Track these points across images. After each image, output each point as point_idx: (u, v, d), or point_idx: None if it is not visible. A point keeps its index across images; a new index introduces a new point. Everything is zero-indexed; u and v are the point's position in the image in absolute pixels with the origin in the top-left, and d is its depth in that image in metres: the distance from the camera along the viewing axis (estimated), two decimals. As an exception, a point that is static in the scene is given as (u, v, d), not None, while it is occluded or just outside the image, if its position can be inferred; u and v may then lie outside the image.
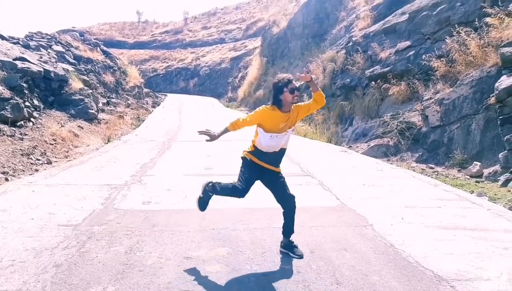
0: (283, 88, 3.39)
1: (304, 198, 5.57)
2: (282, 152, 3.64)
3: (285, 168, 7.72)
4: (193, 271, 3.27)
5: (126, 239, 3.97)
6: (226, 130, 3.68)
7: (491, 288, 2.97)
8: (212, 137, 3.67)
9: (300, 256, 3.54)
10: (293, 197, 3.61)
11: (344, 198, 5.59)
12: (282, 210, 3.67)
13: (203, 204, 3.88)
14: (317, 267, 3.36)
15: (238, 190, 3.54)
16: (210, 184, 3.82)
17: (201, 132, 3.70)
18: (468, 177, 7.60)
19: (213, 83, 36.83)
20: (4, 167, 7.33)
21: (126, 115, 17.02)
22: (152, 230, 4.25)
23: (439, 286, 3.02)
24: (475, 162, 7.84)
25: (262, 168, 3.59)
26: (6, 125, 9.24)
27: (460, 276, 3.18)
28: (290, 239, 3.69)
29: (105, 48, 24.70)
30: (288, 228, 3.66)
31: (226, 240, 3.94)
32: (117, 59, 25.74)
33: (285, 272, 3.27)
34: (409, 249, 3.75)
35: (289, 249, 3.63)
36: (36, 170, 7.64)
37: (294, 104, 3.50)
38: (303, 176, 7.08)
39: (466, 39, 9.66)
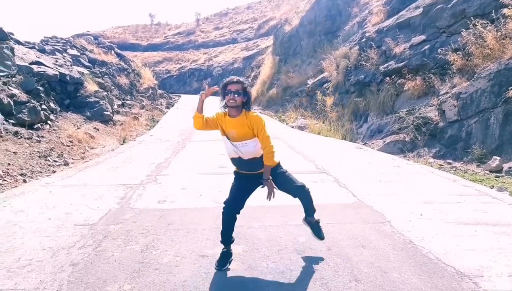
0: (223, 91, 3.30)
1: (320, 195, 5.51)
2: (255, 160, 3.36)
3: (300, 165, 7.70)
4: (208, 269, 3.24)
5: (142, 238, 3.97)
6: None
7: (516, 284, 2.87)
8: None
9: (320, 238, 3.54)
10: (301, 187, 3.46)
11: (360, 194, 5.51)
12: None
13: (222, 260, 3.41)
14: (334, 264, 3.30)
15: (225, 208, 3.40)
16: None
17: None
18: (487, 171, 7.42)
19: (226, 83, 36.85)
20: (22, 169, 7.44)
21: (140, 117, 17.16)
22: (168, 229, 4.24)
23: (461, 282, 2.93)
24: (494, 157, 7.64)
25: (247, 176, 3.43)
26: (24, 128, 9.38)
27: (482, 272, 3.08)
28: (314, 217, 3.62)
29: (119, 51, 24.96)
30: (306, 209, 3.60)
31: (242, 237, 3.90)
32: (131, 61, 25.99)
33: (302, 269, 3.22)
34: (429, 245, 3.66)
35: (311, 226, 3.61)
36: (54, 171, 7.74)
37: (252, 115, 3.27)
38: (319, 173, 7.01)
39: (483, 32, 9.44)
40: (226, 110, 3.34)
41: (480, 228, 4.07)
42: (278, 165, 3.44)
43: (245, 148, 3.29)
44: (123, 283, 3.01)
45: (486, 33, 9.33)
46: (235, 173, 3.55)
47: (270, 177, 3.31)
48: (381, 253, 3.51)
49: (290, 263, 3.34)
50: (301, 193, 3.47)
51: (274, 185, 3.31)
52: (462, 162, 8.33)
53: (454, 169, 7.85)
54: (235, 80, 3.29)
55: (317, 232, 3.57)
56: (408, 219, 4.43)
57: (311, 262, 3.35)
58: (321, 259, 3.41)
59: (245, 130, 3.26)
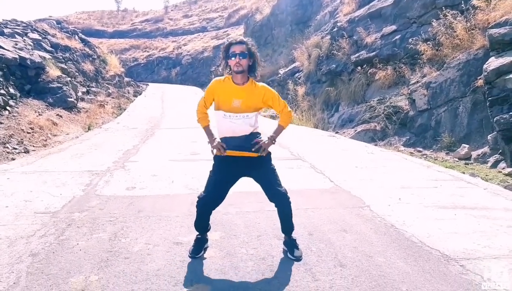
0: (225, 54, 2.93)
1: (297, 181, 5.38)
2: (248, 137, 2.96)
3: (275, 151, 7.51)
4: (184, 257, 3.02)
5: (110, 226, 3.68)
6: (206, 130, 3.10)
7: (502, 266, 2.81)
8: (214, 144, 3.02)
9: (297, 258, 2.98)
10: (285, 194, 2.99)
11: (337, 180, 5.40)
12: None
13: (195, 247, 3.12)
14: (317, 249, 3.15)
15: (201, 203, 2.99)
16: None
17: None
18: (456, 159, 7.53)
19: (195, 72, 36.20)
20: (-23, 156, 6.90)
21: (107, 104, 16.49)
22: (138, 216, 3.97)
23: (448, 266, 2.85)
24: (463, 145, 7.77)
25: (236, 159, 2.95)
26: (-21, 114, 8.75)
27: (468, 255, 3.02)
28: (292, 236, 3.13)
29: (83, 36, 23.85)
30: (284, 227, 3.11)
31: (218, 224, 3.69)
32: (96, 48, 24.94)
33: (284, 255, 3.05)
34: (411, 229, 3.57)
35: (287, 246, 3.09)
36: (13, 159, 7.22)
37: (262, 85, 2.99)
38: (294, 159, 6.87)
39: (453, 22, 9.55)
40: (228, 75, 2.98)
41: (459, 212, 4.04)
42: (270, 155, 3.09)
43: (245, 121, 2.90)
44: (89, 273, 2.74)
45: (456, 23, 9.45)
46: (217, 159, 3.01)
47: (275, 141, 3.03)
48: (364, 237, 3.39)
49: (271, 248, 3.16)
50: (283, 198, 2.99)
51: (267, 150, 2.98)
52: (431, 150, 8.43)
53: (425, 156, 7.93)
54: (238, 40, 2.93)
55: (296, 252, 3.04)
56: (387, 203, 4.36)
57: (293, 248, 3.18)
58: (304, 244, 3.25)
59: (254, 102, 2.92)
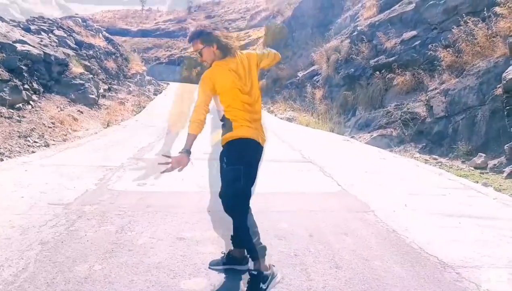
0: None
1: (305, 184, 5.43)
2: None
3: (286, 154, 7.61)
4: (185, 252, 3.12)
5: (118, 219, 3.82)
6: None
7: (498, 276, 2.81)
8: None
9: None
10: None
11: (345, 184, 5.43)
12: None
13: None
14: (315, 250, 3.20)
15: (244, 204, 2.66)
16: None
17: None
18: (472, 168, 7.42)
19: (216, 73, 36.48)
20: (0, 148, 7.19)
21: (127, 102, 16.85)
22: (146, 211, 4.10)
23: (444, 272, 2.86)
24: (479, 153, 7.64)
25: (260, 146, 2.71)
26: (4, 108, 9.08)
27: (466, 263, 3.02)
28: (267, 264, 2.64)
29: (107, 35, 24.42)
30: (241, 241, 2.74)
31: (222, 222, 3.76)
32: (120, 46, 25.48)
33: (282, 255, 3.11)
34: (413, 235, 3.58)
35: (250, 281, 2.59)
36: (33, 152, 7.49)
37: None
38: (304, 162, 6.91)
39: (474, 29, 9.42)
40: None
41: (465, 220, 4.02)
42: (225, 153, 2.73)
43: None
44: (93, 263, 2.87)
45: (477, 30, 9.31)
46: (247, 143, 2.63)
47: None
48: (364, 241, 3.42)
49: (270, 248, 3.21)
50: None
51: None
52: (447, 158, 8.32)
53: (440, 164, 7.84)
54: (189, 38, 2.73)
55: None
56: (392, 209, 4.36)
57: (291, 248, 3.24)
58: (303, 245, 3.31)
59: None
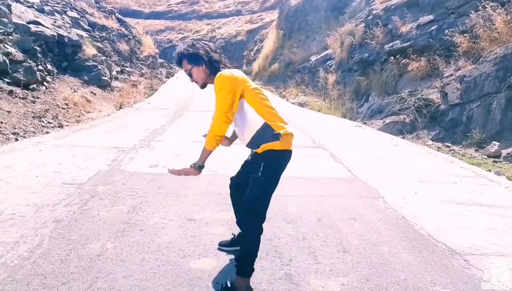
0: None
1: (315, 169, 5.44)
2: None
3: (297, 139, 7.60)
4: (195, 232, 3.17)
5: (130, 199, 3.89)
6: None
7: (506, 264, 2.80)
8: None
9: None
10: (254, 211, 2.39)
11: (356, 170, 5.42)
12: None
13: None
14: (324, 235, 3.22)
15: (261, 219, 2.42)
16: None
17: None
18: (485, 156, 7.33)
19: (228, 56, 36.23)
20: (15, 128, 7.31)
21: (139, 84, 16.92)
22: (157, 192, 4.16)
23: (452, 259, 2.86)
24: (493, 142, 7.54)
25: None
26: (19, 88, 9.19)
27: (474, 250, 3.02)
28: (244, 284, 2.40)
29: (120, 17, 24.40)
30: (239, 256, 2.47)
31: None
32: (132, 28, 25.47)
33: (290, 238, 3.15)
34: (422, 222, 3.58)
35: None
36: (47, 133, 7.61)
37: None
38: (315, 147, 6.90)
39: (492, 14, 9.18)
40: None
41: (475, 208, 4.00)
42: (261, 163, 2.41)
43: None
44: (106, 241, 2.94)
45: (495, 16, 9.07)
46: (289, 155, 2.44)
47: (198, 168, 2.44)
48: (372, 226, 3.43)
49: (279, 230, 3.26)
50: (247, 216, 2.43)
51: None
52: (460, 146, 8.23)
53: (452, 152, 7.77)
54: (176, 59, 2.50)
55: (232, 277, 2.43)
56: (402, 196, 4.36)
57: (300, 232, 3.27)
58: (311, 229, 3.33)
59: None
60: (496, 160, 7.07)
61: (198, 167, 2.41)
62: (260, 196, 2.36)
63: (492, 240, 3.20)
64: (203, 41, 2.56)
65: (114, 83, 14.74)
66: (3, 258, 2.61)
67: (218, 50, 2.54)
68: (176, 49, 2.58)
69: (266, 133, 2.35)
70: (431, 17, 11.82)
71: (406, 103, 10.37)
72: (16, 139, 6.72)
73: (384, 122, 10.65)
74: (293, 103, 16.14)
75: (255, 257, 2.41)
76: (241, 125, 2.45)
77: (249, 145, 2.50)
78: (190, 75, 2.49)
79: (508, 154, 7.26)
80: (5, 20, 10.50)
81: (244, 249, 2.45)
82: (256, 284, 2.46)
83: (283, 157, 2.40)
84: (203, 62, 2.43)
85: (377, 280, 2.52)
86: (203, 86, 2.55)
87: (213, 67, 2.44)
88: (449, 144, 8.47)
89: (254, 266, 2.41)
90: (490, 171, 6.03)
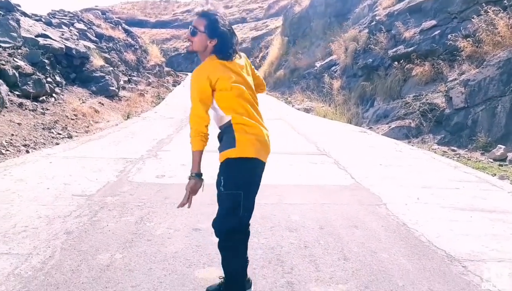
0: None
1: (318, 176, 5.52)
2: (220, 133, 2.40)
3: (301, 146, 7.69)
4: (200, 242, 3.27)
5: (138, 210, 4.00)
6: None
7: (504, 269, 2.86)
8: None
9: None
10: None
11: (359, 177, 5.49)
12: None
13: None
14: (325, 242, 3.31)
15: (237, 236, 2.31)
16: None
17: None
18: (491, 160, 7.36)
19: (233, 63, 36.58)
20: (25, 140, 7.49)
21: (146, 93, 17.14)
22: (164, 202, 4.27)
23: (451, 265, 2.93)
24: (499, 145, 7.57)
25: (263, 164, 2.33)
26: (28, 100, 9.42)
27: (473, 256, 3.08)
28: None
29: (126, 27, 24.76)
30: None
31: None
32: (139, 38, 25.81)
33: (292, 246, 3.23)
34: (422, 228, 3.65)
35: None
36: (57, 144, 7.79)
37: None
38: (319, 155, 6.98)
39: (494, 19, 9.24)
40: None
41: (476, 214, 4.05)
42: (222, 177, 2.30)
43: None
44: (115, 252, 3.05)
45: (498, 20, 9.13)
46: (251, 162, 2.22)
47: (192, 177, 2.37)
48: (373, 234, 3.51)
49: (281, 239, 3.35)
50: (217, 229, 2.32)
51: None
52: (466, 150, 8.26)
53: (458, 155, 7.80)
54: (200, 12, 2.26)
55: None
56: (404, 202, 4.42)
57: (302, 240, 3.36)
58: (313, 237, 3.42)
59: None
60: (501, 163, 7.09)
61: (195, 176, 2.28)
62: (228, 211, 2.23)
63: (492, 246, 3.26)
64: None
65: (122, 93, 14.97)
66: (17, 270, 2.73)
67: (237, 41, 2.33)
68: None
69: (225, 137, 2.25)
70: (434, 22, 11.88)
71: (411, 107, 10.42)
72: (27, 151, 6.90)
73: (389, 127, 10.70)
74: (298, 109, 16.24)
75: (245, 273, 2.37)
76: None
77: (219, 137, 2.38)
78: (193, 33, 2.24)
79: (514, 157, 7.29)
80: (15, 34, 10.77)
81: (228, 277, 2.35)
82: (259, 292, 2.55)
83: (243, 167, 2.20)
84: (218, 38, 2.21)
85: (375, 287, 2.60)
86: (191, 51, 2.34)
87: (220, 53, 2.22)
88: (455, 148, 8.50)
89: (248, 275, 2.40)
90: (494, 175, 6.06)
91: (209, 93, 2.20)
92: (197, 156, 2.29)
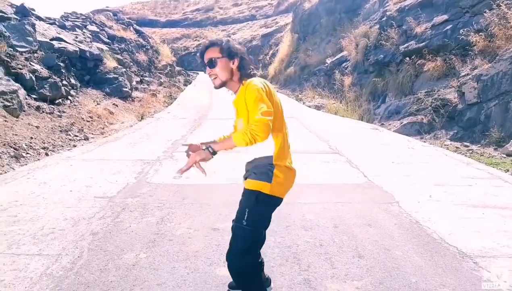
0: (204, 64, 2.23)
1: (331, 175, 5.62)
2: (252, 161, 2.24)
3: (313, 145, 7.78)
4: (219, 241, 3.41)
5: (158, 211, 4.16)
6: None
7: (515, 265, 2.95)
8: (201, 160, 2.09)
9: None
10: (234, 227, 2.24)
11: (371, 175, 5.58)
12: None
13: None
14: (340, 241, 3.42)
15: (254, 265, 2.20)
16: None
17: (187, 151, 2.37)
18: (504, 155, 7.36)
19: (244, 61, 36.69)
20: (44, 143, 7.72)
21: (159, 94, 17.37)
22: (182, 203, 4.43)
23: (462, 262, 3.02)
24: (512, 140, 7.56)
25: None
26: (45, 103, 9.66)
27: (484, 253, 3.16)
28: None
29: (137, 27, 25.03)
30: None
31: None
32: (150, 38, 26.07)
33: (308, 245, 3.35)
34: (435, 226, 3.74)
35: None
36: (74, 146, 8.01)
37: (247, 83, 2.09)
38: (331, 153, 7.08)
39: (507, 13, 9.19)
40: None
41: (488, 211, 4.12)
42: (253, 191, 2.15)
43: None
44: (139, 251, 3.21)
45: (510, 14, 9.08)
46: (279, 201, 2.23)
47: (212, 152, 2.07)
48: (386, 232, 3.61)
49: (297, 238, 3.47)
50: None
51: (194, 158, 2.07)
52: (479, 145, 8.26)
53: (471, 151, 7.81)
54: (207, 43, 2.18)
55: None
56: (417, 200, 4.51)
57: (317, 238, 3.47)
58: (328, 235, 3.53)
59: (244, 112, 2.11)
60: (514, 159, 7.09)
61: (213, 153, 2.07)
62: (247, 249, 2.10)
63: (503, 242, 3.34)
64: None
65: (135, 93, 15.20)
66: (49, 270, 2.90)
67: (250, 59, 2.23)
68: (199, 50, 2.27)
69: (266, 160, 2.11)
70: (445, 16, 11.83)
71: (423, 103, 10.41)
72: (46, 154, 7.12)
73: (401, 123, 10.72)
74: (309, 106, 16.29)
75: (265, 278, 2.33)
76: None
77: (248, 164, 2.23)
78: (212, 65, 2.12)
79: (527, 152, 7.28)
80: (30, 38, 11.04)
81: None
82: (277, 289, 2.68)
83: (271, 205, 2.15)
84: (238, 58, 2.13)
85: (389, 283, 2.71)
86: (220, 85, 2.18)
87: (244, 71, 2.14)
88: (468, 143, 8.50)
89: (266, 274, 2.39)
90: (507, 171, 6.09)
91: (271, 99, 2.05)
92: (229, 146, 2.06)
